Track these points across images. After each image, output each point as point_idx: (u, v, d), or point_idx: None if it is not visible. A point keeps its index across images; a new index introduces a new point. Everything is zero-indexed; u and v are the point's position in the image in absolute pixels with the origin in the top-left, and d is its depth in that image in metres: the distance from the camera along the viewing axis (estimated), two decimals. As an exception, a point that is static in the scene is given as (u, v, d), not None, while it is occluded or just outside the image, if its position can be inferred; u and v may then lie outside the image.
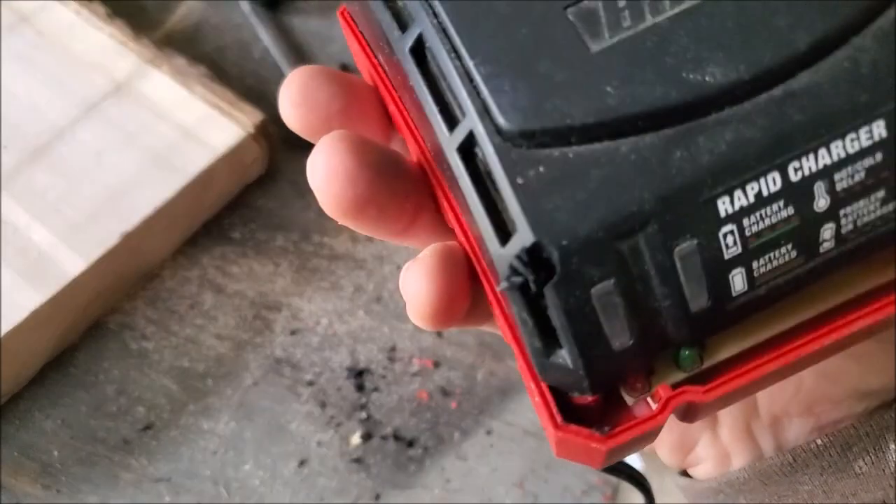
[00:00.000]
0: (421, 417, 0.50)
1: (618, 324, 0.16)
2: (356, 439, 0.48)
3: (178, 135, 0.50)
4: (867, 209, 0.16)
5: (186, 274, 0.52)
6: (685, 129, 0.15)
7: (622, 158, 0.15)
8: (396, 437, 0.49)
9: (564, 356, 0.17)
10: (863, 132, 0.16)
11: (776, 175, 0.16)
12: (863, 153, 0.16)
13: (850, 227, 0.17)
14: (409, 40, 0.18)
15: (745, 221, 0.16)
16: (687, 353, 0.18)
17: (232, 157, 0.51)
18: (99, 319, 0.48)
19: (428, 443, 0.49)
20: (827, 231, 0.16)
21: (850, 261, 0.17)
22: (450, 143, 0.17)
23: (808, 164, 0.16)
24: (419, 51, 0.18)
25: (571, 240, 0.15)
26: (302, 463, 0.46)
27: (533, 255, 0.15)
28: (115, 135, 0.49)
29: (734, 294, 0.16)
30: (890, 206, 0.17)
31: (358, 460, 0.47)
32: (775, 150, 0.16)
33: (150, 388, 0.47)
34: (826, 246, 0.17)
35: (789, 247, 0.16)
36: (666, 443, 0.28)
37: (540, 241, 0.15)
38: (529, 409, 0.51)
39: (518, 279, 0.16)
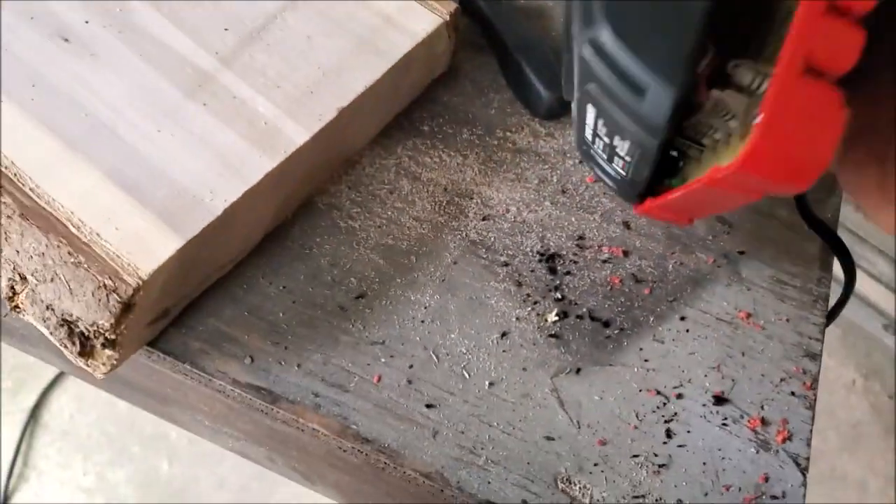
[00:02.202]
0: (615, 301, 0.48)
1: None
2: (552, 317, 0.47)
3: (380, 21, 0.49)
4: None
5: (383, 162, 0.52)
6: None
7: None
8: (592, 318, 0.47)
9: None
10: None
11: None
12: None
13: None
14: None
15: None
16: None
17: (428, 44, 0.50)
18: (309, 198, 0.49)
19: (624, 324, 0.48)
20: None
21: None
22: None
23: None
24: None
25: None
26: (504, 335, 0.46)
27: None
28: (322, 21, 0.48)
29: None
30: None
31: (556, 336, 0.46)
32: None
33: (359, 261, 0.47)
34: None
35: None
36: (870, 202, 0.27)
37: None
38: (723, 299, 0.49)
39: None
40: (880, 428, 1.69)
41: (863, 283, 1.78)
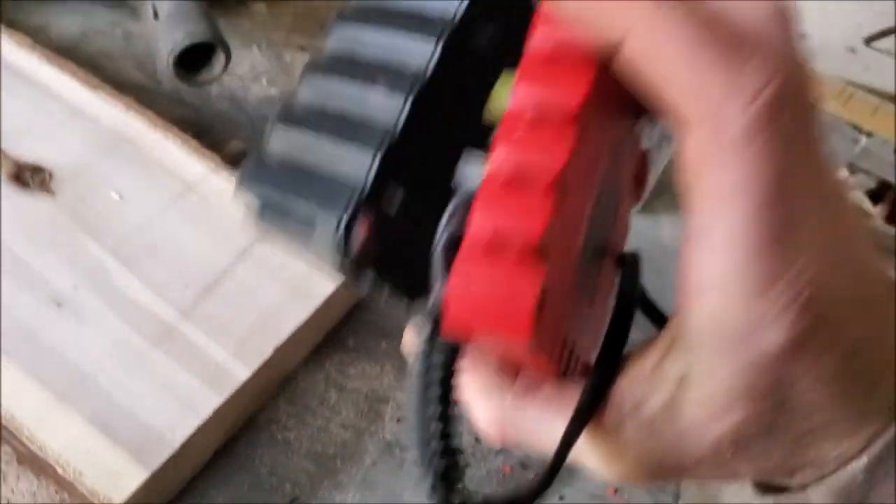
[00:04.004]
0: (507, 486, 0.57)
1: None
2: (455, 505, 0.55)
3: (307, 268, 0.60)
4: None
5: (315, 377, 0.60)
6: None
7: None
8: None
9: None
10: None
11: None
12: None
13: None
14: None
15: None
16: None
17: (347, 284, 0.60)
18: (251, 416, 0.57)
19: (512, 507, 0.56)
20: None
21: None
22: None
23: None
24: None
25: None
26: (415, 526, 0.54)
27: None
28: (263, 271, 0.59)
29: None
30: None
31: (458, 522, 0.54)
32: None
33: (293, 468, 0.55)
34: None
35: None
36: None
37: None
38: (593, 478, 0.58)
39: None
40: None
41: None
